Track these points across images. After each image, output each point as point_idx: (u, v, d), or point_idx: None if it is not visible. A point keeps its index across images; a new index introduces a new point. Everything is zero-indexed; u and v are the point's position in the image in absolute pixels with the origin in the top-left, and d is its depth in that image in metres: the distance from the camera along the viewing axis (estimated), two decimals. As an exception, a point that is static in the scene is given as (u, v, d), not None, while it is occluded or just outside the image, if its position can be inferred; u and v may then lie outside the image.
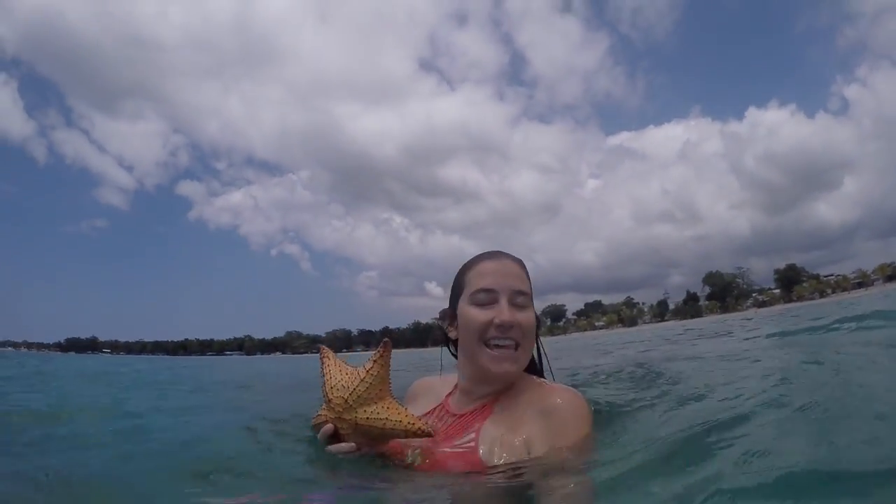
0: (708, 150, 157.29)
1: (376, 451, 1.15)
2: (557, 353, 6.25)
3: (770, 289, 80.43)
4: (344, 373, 1.16)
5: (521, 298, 1.17)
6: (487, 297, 1.16)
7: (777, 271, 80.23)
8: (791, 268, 79.30)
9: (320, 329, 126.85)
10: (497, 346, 1.15)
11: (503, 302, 1.15)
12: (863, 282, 78.31)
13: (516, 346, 1.16)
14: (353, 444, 1.12)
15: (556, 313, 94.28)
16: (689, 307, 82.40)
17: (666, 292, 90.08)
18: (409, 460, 1.15)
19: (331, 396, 1.14)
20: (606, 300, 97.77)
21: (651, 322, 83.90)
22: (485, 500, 1.01)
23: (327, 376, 1.17)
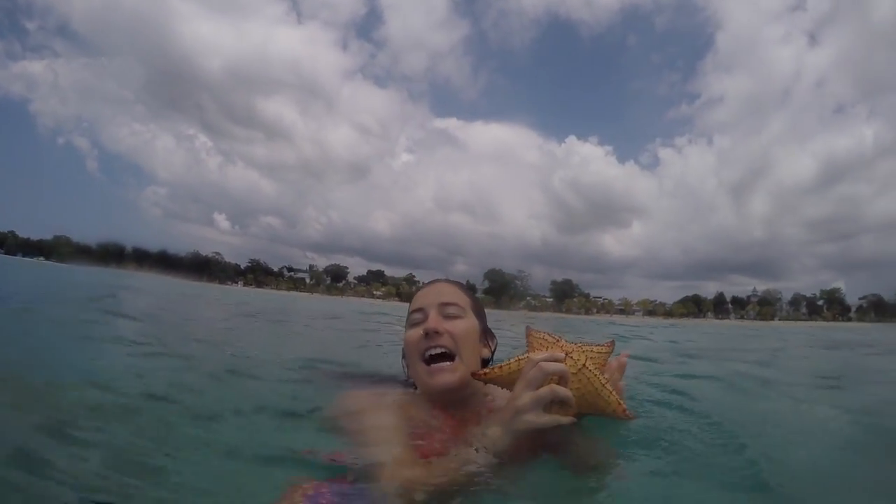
0: (524, 159, 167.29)
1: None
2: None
3: (544, 296, 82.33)
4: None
5: (451, 309, 1.18)
6: (419, 316, 1.18)
7: (554, 282, 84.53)
8: (567, 282, 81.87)
9: (92, 238, 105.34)
10: (433, 359, 1.13)
11: (432, 313, 1.16)
12: (625, 310, 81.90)
13: (452, 357, 1.14)
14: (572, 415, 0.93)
15: (337, 273, 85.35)
16: (466, 296, 79.48)
17: (447, 277, 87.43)
18: None
19: (569, 348, 0.96)
20: (389, 271, 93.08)
21: (426, 303, 79.78)
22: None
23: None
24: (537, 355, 0.92)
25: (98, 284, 10.81)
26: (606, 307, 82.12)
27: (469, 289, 1.28)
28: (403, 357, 1.26)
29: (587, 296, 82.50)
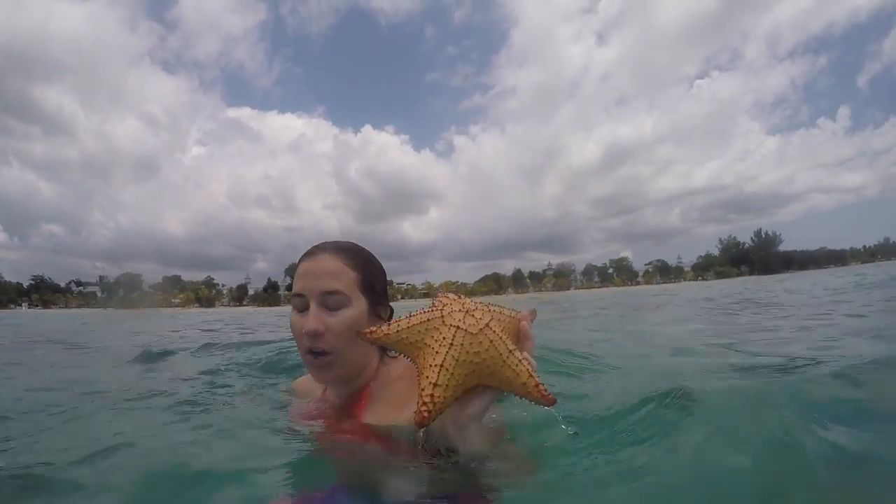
0: (319, 149, 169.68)
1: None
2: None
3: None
4: None
5: (332, 299, 1.10)
6: (301, 303, 1.13)
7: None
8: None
9: None
10: (313, 354, 1.11)
11: (312, 307, 1.10)
12: (428, 293, 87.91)
13: (332, 353, 1.11)
14: None
15: (130, 283, 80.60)
16: (269, 295, 79.70)
17: (248, 277, 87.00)
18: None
19: (471, 306, 0.83)
20: (186, 276, 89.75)
21: (229, 305, 78.40)
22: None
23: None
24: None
25: None
26: (410, 292, 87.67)
27: (357, 253, 1.17)
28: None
29: (391, 283, 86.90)
